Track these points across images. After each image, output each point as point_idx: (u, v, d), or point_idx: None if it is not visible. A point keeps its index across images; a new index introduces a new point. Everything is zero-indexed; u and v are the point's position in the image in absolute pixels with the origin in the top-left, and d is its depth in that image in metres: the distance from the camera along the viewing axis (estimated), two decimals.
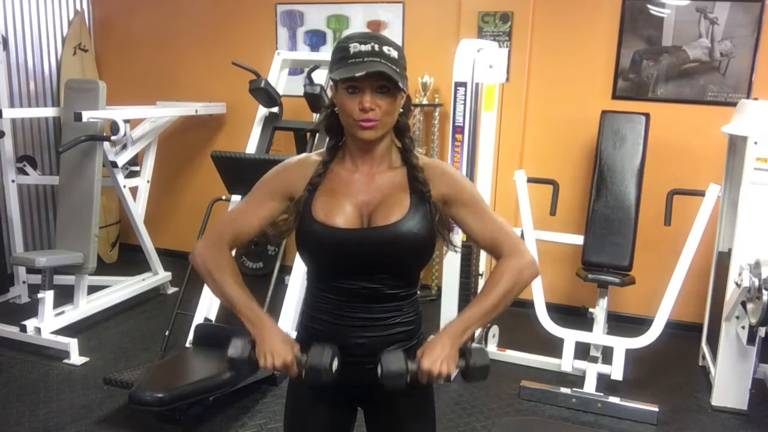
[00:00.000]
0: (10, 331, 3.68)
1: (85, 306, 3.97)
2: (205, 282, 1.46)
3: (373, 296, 1.41)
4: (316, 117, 4.12)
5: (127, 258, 5.11)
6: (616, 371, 3.26)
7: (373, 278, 1.40)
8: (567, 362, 3.37)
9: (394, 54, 1.33)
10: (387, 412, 1.51)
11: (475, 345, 1.40)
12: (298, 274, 3.42)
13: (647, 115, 3.69)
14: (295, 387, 1.55)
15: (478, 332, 3.74)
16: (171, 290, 4.67)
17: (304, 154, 1.51)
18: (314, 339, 1.45)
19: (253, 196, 1.47)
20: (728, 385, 3.14)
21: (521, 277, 1.41)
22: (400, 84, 1.31)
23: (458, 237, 3.24)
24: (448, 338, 1.36)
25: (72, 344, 3.55)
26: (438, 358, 1.33)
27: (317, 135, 3.99)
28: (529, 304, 3.59)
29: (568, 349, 3.37)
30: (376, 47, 1.31)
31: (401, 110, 1.40)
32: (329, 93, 1.44)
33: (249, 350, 1.37)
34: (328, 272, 1.43)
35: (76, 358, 3.54)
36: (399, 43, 1.58)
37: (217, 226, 1.51)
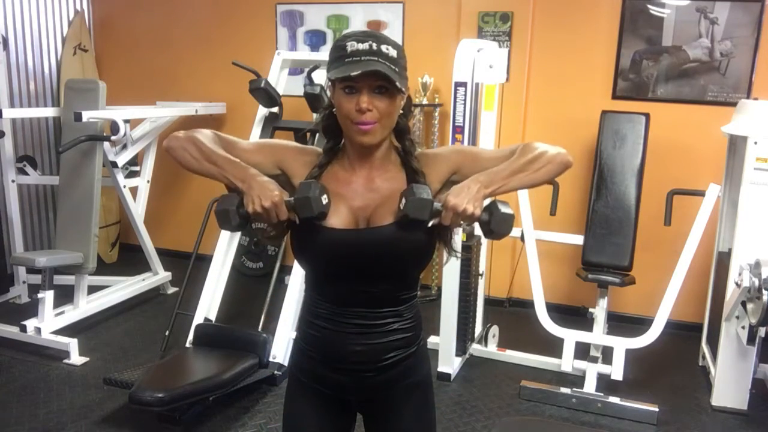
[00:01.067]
0: (10, 331, 3.68)
1: (85, 306, 3.97)
2: (185, 156, 1.37)
3: (371, 300, 1.39)
4: (316, 117, 4.12)
5: (127, 258, 5.11)
6: (616, 371, 3.26)
7: (370, 281, 1.37)
8: (567, 362, 3.37)
9: (393, 53, 1.29)
10: (386, 415, 1.49)
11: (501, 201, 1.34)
12: (298, 274, 3.42)
13: (647, 115, 3.69)
14: (293, 391, 1.53)
15: (477, 331, 3.74)
16: (171, 290, 4.67)
17: (310, 146, 1.49)
18: (312, 345, 1.44)
19: (253, 141, 1.46)
20: (728, 385, 3.14)
21: (552, 152, 1.38)
22: (398, 84, 1.28)
23: (458, 238, 3.25)
24: (474, 183, 1.30)
25: (72, 344, 3.55)
26: (466, 196, 1.27)
27: (317, 135, 3.99)
28: (529, 304, 3.59)
29: (568, 349, 3.38)
30: (374, 46, 1.28)
31: (401, 111, 1.37)
32: (329, 93, 1.41)
33: (237, 201, 1.30)
34: (324, 275, 1.41)
35: (76, 358, 3.54)
36: (399, 43, 1.58)
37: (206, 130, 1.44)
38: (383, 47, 1.28)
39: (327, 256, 1.37)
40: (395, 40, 1.35)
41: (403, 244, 1.35)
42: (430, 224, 1.33)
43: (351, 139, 1.36)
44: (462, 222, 1.30)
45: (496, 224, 1.32)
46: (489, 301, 3.89)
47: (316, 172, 1.40)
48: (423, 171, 1.40)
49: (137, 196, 4.56)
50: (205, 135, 1.41)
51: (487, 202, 1.33)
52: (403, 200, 1.29)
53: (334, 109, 1.37)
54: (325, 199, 1.30)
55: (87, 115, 3.79)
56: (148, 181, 4.61)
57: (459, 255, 1.52)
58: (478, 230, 3.59)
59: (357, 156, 1.40)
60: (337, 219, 1.35)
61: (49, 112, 4.67)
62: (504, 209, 1.32)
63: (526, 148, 1.40)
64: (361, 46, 1.28)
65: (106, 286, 4.33)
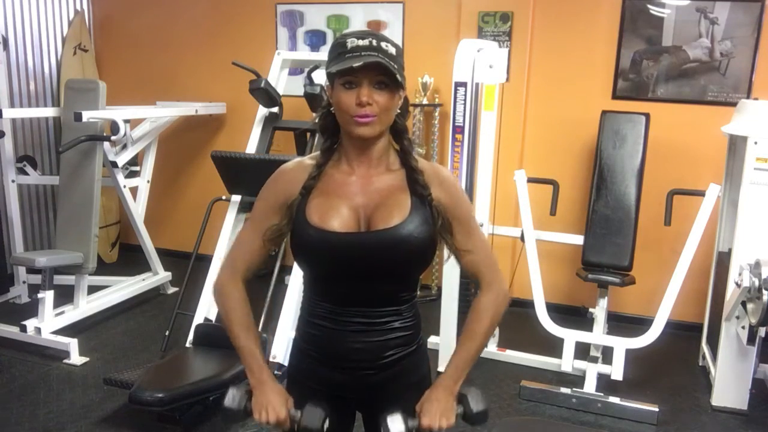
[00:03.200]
0: (10, 331, 3.68)
1: (85, 306, 3.97)
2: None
3: (371, 301, 1.39)
4: (314, 116, 4.12)
5: (127, 258, 5.11)
6: (616, 371, 3.26)
7: (372, 282, 1.37)
8: (567, 362, 3.37)
9: (392, 50, 1.30)
10: (385, 415, 1.49)
11: (472, 388, 1.43)
12: (298, 275, 3.42)
13: (647, 115, 3.69)
14: (292, 391, 1.51)
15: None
16: (171, 290, 4.67)
17: (297, 159, 1.46)
18: (312, 344, 1.45)
19: (254, 216, 1.46)
20: (728, 385, 3.14)
21: (498, 313, 1.47)
22: (398, 77, 1.29)
23: None
24: (443, 392, 1.40)
25: (72, 344, 3.55)
26: (436, 413, 1.37)
27: (317, 135, 3.99)
28: (529, 304, 3.59)
29: (568, 349, 3.38)
30: (374, 42, 1.29)
31: (399, 111, 1.37)
32: (328, 92, 1.40)
33: (245, 402, 1.41)
34: (324, 277, 1.41)
35: (76, 358, 3.54)
36: (399, 43, 1.57)
37: (230, 259, 1.50)
38: (383, 44, 1.30)
39: (328, 260, 1.37)
40: (395, 40, 1.36)
41: (406, 244, 1.34)
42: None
43: (349, 134, 1.35)
44: None
45: (472, 421, 1.42)
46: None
47: (315, 173, 1.39)
48: (427, 183, 1.39)
49: (137, 196, 4.56)
50: (227, 299, 1.48)
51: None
52: (382, 426, 1.36)
53: (332, 108, 1.37)
54: (326, 427, 1.37)
55: (87, 115, 3.79)
56: (148, 181, 4.61)
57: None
58: None
59: (355, 154, 1.39)
60: (338, 221, 1.34)
61: (49, 112, 4.67)
62: (477, 407, 1.41)
63: (481, 309, 1.46)
64: (361, 42, 1.29)
65: (106, 286, 4.33)
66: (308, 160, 1.44)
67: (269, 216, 1.41)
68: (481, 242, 1.47)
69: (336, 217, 1.34)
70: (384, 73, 1.28)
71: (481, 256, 1.45)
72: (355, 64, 1.26)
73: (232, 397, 1.41)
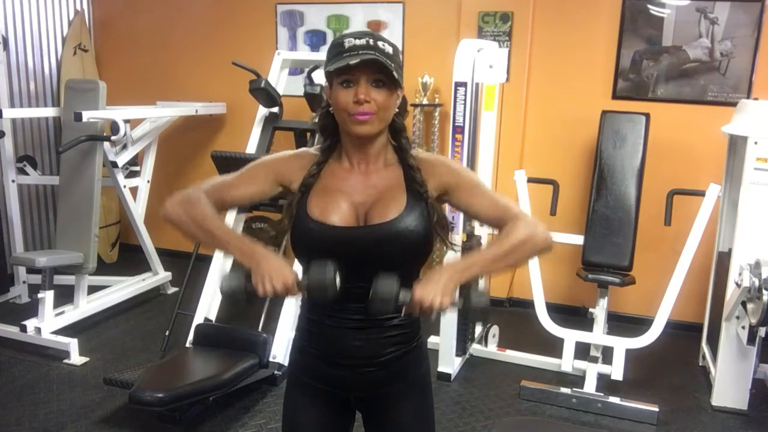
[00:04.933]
0: (10, 331, 3.68)
1: (85, 306, 3.97)
2: (183, 228, 1.40)
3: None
4: (313, 116, 4.12)
5: (127, 258, 5.11)
6: (616, 371, 3.26)
7: (370, 277, 1.35)
8: (567, 362, 3.37)
9: (389, 50, 1.32)
10: (386, 415, 1.49)
11: (477, 287, 1.33)
12: (299, 274, 3.42)
13: (647, 115, 3.69)
14: (292, 389, 1.53)
15: (477, 331, 3.74)
16: (171, 290, 4.67)
17: (303, 148, 1.50)
18: (311, 342, 1.45)
19: (246, 170, 1.46)
20: (728, 385, 3.14)
21: (532, 237, 1.35)
22: (395, 75, 1.30)
23: (458, 237, 3.25)
24: (446, 271, 1.30)
25: (72, 344, 3.55)
26: (433, 289, 1.27)
27: (317, 135, 3.98)
28: (529, 304, 3.59)
29: (568, 349, 3.38)
30: (371, 42, 1.31)
31: (397, 110, 1.39)
32: (326, 92, 1.41)
33: (244, 280, 1.29)
34: None
35: (76, 358, 3.54)
36: (399, 43, 1.57)
37: (200, 185, 1.45)
38: (380, 43, 1.31)
39: (327, 253, 1.36)
40: (395, 40, 1.37)
41: (404, 238, 1.36)
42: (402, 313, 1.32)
43: (348, 132, 1.37)
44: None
45: (469, 317, 1.32)
46: (489, 301, 3.88)
47: (315, 170, 1.41)
48: (423, 173, 1.40)
49: (137, 196, 4.56)
50: (200, 201, 1.40)
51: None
52: (370, 293, 1.27)
53: (330, 109, 1.38)
54: (339, 283, 1.28)
55: (87, 115, 3.79)
56: (148, 181, 4.61)
57: (456, 248, 1.52)
58: (478, 230, 3.59)
59: (354, 152, 1.41)
60: (338, 216, 1.36)
61: (49, 112, 4.67)
62: (477, 301, 1.31)
63: (515, 225, 1.36)
64: (358, 42, 1.30)
65: (106, 286, 4.33)
66: (313, 150, 1.46)
67: (260, 177, 1.43)
68: (500, 199, 1.42)
69: (336, 212, 1.36)
70: (381, 71, 1.30)
71: (504, 210, 1.40)
72: (352, 62, 1.27)
73: (229, 278, 1.30)
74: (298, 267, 1.44)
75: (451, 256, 1.46)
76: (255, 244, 1.34)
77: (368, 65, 1.28)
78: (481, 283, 1.32)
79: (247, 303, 1.31)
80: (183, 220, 1.39)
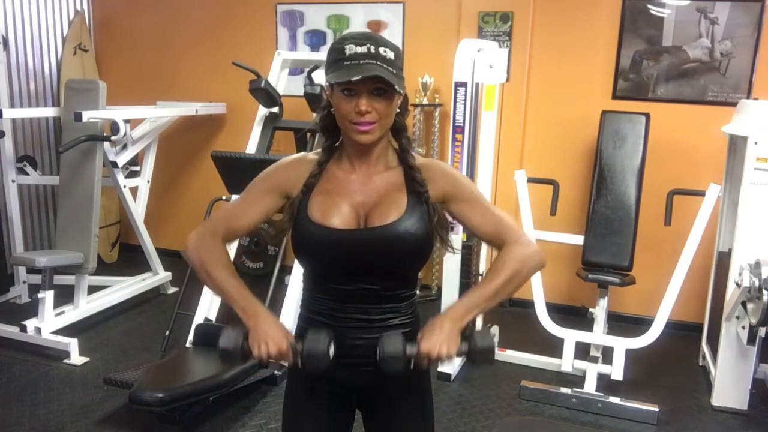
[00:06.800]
0: (10, 331, 3.68)
1: (85, 306, 3.97)
2: (198, 274, 1.43)
3: (371, 297, 1.40)
4: (314, 117, 4.12)
5: (127, 258, 5.11)
6: (616, 371, 3.26)
7: (371, 279, 1.38)
8: (567, 362, 3.37)
9: (391, 55, 1.30)
10: (385, 414, 1.50)
11: (479, 329, 1.38)
12: (298, 274, 3.42)
13: (647, 115, 3.69)
14: (292, 389, 1.54)
15: (479, 325, 3.74)
16: (171, 290, 4.67)
17: (301, 153, 1.50)
18: None
19: (249, 193, 1.46)
20: (728, 385, 3.14)
21: (525, 264, 1.39)
22: (397, 86, 1.29)
23: (458, 237, 3.25)
24: (448, 320, 1.34)
25: (72, 344, 3.55)
26: (438, 340, 1.31)
27: (317, 135, 3.98)
28: (529, 304, 3.59)
29: (568, 349, 3.38)
30: (372, 49, 1.29)
31: (398, 110, 1.38)
32: (327, 94, 1.41)
33: (241, 340, 1.34)
34: (324, 274, 1.42)
35: (76, 358, 3.54)
36: (399, 43, 1.57)
37: (211, 220, 1.50)
38: (381, 50, 1.29)
39: (328, 256, 1.39)
40: (395, 40, 1.36)
41: (404, 241, 1.36)
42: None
43: (349, 138, 1.37)
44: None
45: (475, 359, 1.35)
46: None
47: (316, 170, 1.42)
48: (424, 176, 1.40)
49: (137, 196, 4.56)
50: (209, 246, 1.42)
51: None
52: (378, 352, 1.31)
53: (332, 109, 1.38)
54: (332, 352, 1.32)
55: (87, 115, 3.79)
56: (148, 181, 4.61)
57: (456, 250, 1.52)
58: None
59: (355, 154, 1.41)
60: (338, 218, 1.36)
61: (49, 112, 4.67)
62: (481, 341, 1.34)
63: (509, 252, 1.39)
64: (359, 50, 1.28)
65: (106, 286, 4.33)
66: (311, 155, 1.46)
67: (264, 196, 1.43)
68: (497, 215, 1.43)
69: (337, 214, 1.36)
70: (383, 82, 1.29)
71: (500, 226, 1.41)
72: (354, 78, 1.26)
73: (227, 337, 1.34)
74: (298, 271, 1.44)
75: (451, 256, 1.47)
76: (258, 305, 1.38)
77: (370, 78, 1.27)
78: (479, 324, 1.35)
79: (242, 360, 1.38)
80: (197, 268, 1.43)
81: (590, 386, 3.23)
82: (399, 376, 1.33)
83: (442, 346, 1.30)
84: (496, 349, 1.37)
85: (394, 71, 1.30)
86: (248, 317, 1.36)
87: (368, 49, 1.29)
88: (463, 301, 1.38)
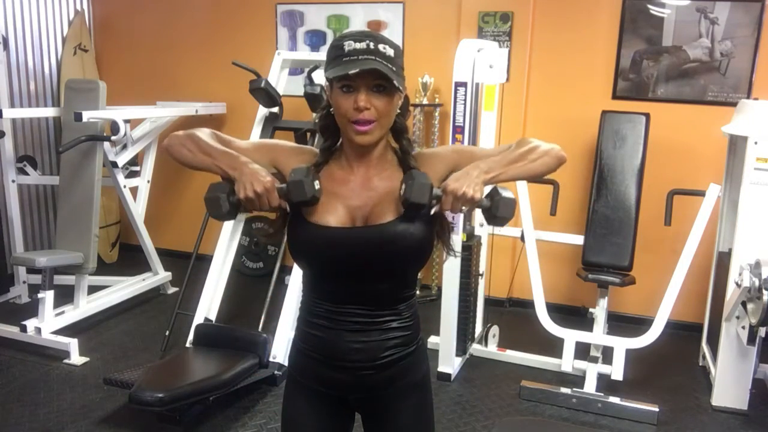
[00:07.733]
0: (10, 331, 3.68)
1: (86, 306, 3.97)
2: (181, 155, 1.41)
3: (369, 299, 1.38)
4: (314, 116, 4.12)
5: (127, 258, 5.11)
6: (616, 371, 3.26)
7: (369, 280, 1.37)
8: (567, 362, 3.37)
9: (390, 52, 1.29)
10: (385, 416, 1.48)
11: (504, 191, 1.35)
12: (298, 275, 3.42)
13: (647, 115, 3.69)
14: (292, 392, 1.53)
15: (477, 331, 3.74)
16: (171, 290, 4.67)
17: (307, 146, 1.50)
18: (310, 344, 1.44)
19: (246, 142, 1.47)
20: (728, 385, 3.14)
21: (546, 146, 1.42)
22: (396, 82, 1.28)
23: (458, 238, 3.25)
24: (474, 168, 1.32)
25: (72, 344, 3.55)
26: (465, 182, 1.28)
27: (317, 135, 3.98)
28: (529, 304, 3.59)
29: (568, 349, 3.38)
30: (372, 45, 1.28)
31: (399, 111, 1.37)
32: (327, 93, 1.41)
33: (228, 188, 1.32)
34: (322, 274, 1.41)
35: (76, 358, 3.54)
36: (399, 43, 1.57)
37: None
38: (380, 46, 1.29)
39: (324, 255, 1.37)
40: (395, 40, 1.35)
41: (401, 241, 1.34)
42: (432, 212, 1.35)
43: (349, 139, 1.36)
44: (463, 207, 1.30)
45: (498, 208, 1.33)
46: (489, 301, 3.89)
47: (313, 171, 1.40)
48: (430, 165, 1.40)
49: (137, 196, 4.56)
50: (203, 132, 1.45)
51: (487, 189, 1.34)
52: (404, 185, 1.30)
53: (331, 109, 1.37)
54: (317, 184, 1.32)
55: (87, 115, 3.79)
56: (148, 181, 4.61)
57: (457, 254, 1.51)
58: (478, 230, 3.59)
59: (354, 155, 1.40)
60: (334, 217, 1.35)
61: (49, 112, 4.67)
62: (505, 193, 1.34)
63: (521, 141, 1.45)
64: (358, 46, 1.28)
65: (106, 286, 4.33)
66: (316, 150, 1.46)
67: (257, 153, 1.42)
68: (498, 147, 1.47)
69: (333, 214, 1.35)
70: (382, 77, 1.28)
71: (507, 145, 1.45)
72: (351, 71, 1.25)
73: (214, 187, 1.33)
74: (298, 271, 1.44)
75: (453, 262, 1.47)
76: (244, 158, 1.34)
77: (368, 73, 1.26)
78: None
79: (228, 213, 1.34)
80: (182, 143, 1.41)
81: (590, 386, 3.23)
82: (421, 207, 1.30)
83: (468, 187, 1.27)
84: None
85: (394, 68, 1.29)
86: (234, 168, 1.32)
87: (367, 45, 1.28)
88: (487, 159, 1.37)
